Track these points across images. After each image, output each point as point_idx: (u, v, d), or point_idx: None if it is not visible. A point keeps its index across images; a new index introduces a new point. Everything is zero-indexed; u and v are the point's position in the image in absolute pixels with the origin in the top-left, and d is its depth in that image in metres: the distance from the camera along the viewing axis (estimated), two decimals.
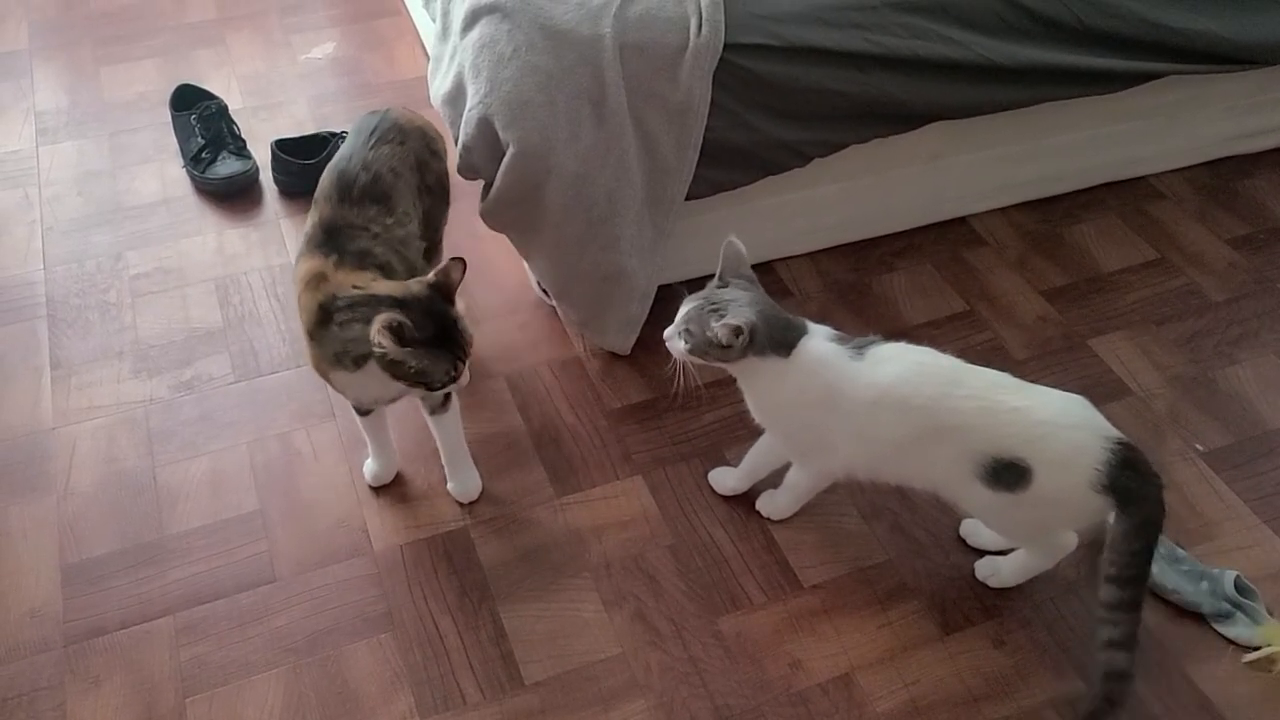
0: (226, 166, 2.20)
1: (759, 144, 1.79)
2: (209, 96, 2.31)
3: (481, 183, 1.83)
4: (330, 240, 1.49)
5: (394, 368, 1.37)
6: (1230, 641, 1.51)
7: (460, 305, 1.43)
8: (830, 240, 2.10)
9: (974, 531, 1.63)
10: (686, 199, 1.80)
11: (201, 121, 2.24)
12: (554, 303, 1.92)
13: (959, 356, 1.87)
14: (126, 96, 2.46)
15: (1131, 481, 1.35)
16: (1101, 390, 1.85)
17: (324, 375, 1.49)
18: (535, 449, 1.76)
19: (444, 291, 1.40)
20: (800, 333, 1.44)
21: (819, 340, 1.44)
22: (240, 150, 2.24)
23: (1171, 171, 2.28)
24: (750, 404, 1.53)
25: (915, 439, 1.41)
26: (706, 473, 1.72)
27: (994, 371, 1.43)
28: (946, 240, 2.14)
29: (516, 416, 1.81)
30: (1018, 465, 1.36)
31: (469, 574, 1.60)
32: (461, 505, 1.69)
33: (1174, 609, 1.55)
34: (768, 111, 1.76)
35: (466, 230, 2.11)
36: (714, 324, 1.39)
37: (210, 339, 1.92)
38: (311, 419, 1.80)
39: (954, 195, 2.14)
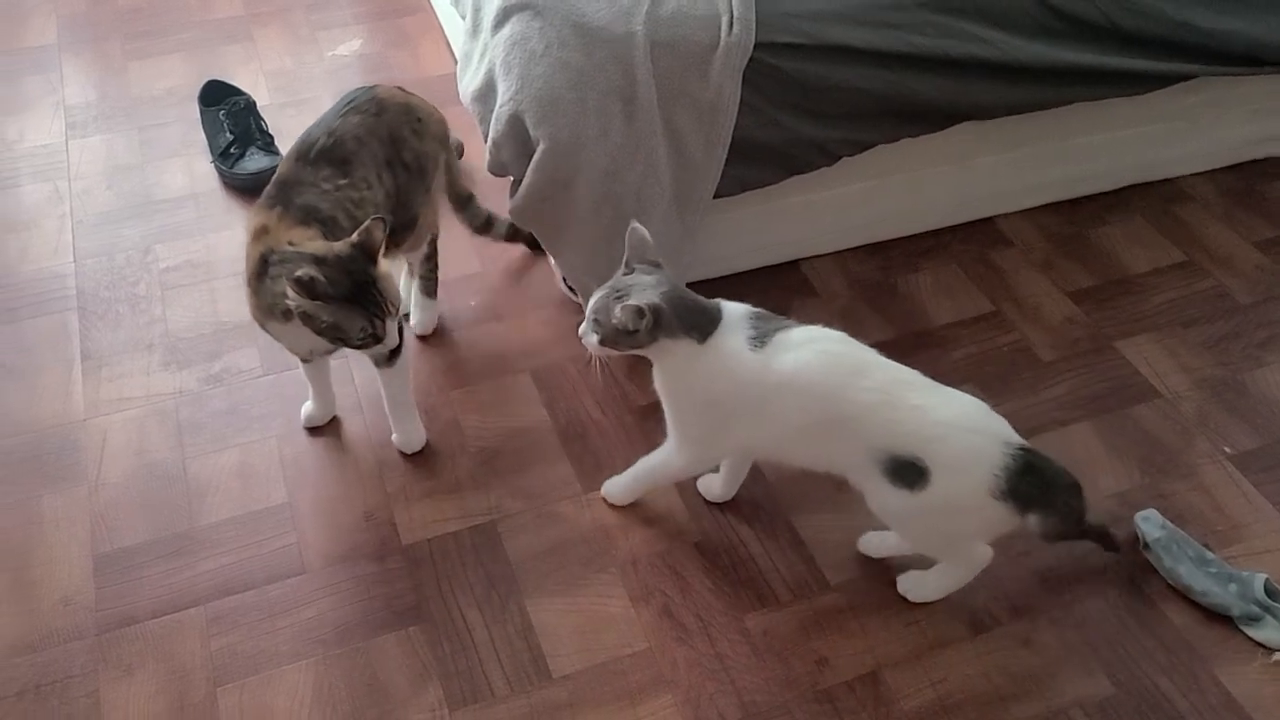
0: (254, 162, 2.21)
1: (788, 143, 1.79)
2: (237, 92, 2.32)
3: (509, 180, 1.84)
4: (280, 194, 1.55)
5: (308, 321, 1.44)
6: (1259, 644, 1.51)
7: (384, 265, 1.47)
8: (856, 240, 2.10)
9: (877, 544, 1.60)
10: (714, 197, 1.81)
11: (230, 117, 2.25)
12: (580, 299, 1.93)
13: (985, 358, 1.91)
14: (154, 91, 2.47)
15: (1033, 488, 1.34)
16: (1129, 392, 1.85)
17: (261, 325, 1.56)
18: (561, 444, 1.77)
19: (366, 251, 1.45)
20: (716, 318, 1.42)
21: (731, 327, 1.42)
22: (268, 146, 2.26)
23: (1198, 174, 2.28)
24: (657, 383, 1.51)
25: (816, 426, 1.39)
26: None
27: (904, 367, 1.42)
28: (973, 241, 2.13)
29: (542, 412, 1.82)
30: (915, 465, 1.34)
31: (496, 567, 1.60)
32: (405, 455, 1.74)
33: (1202, 611, 1.54)
34: (797, 110, 1.76)
35: None
36: (616, 309, 1.38)
37: (239, 332, 1.93)
38: (339, 412, 1.81)
39: (981, 195, 2.14)
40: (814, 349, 1.40)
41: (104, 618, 1.53)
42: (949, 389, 1.41)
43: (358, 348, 1.50)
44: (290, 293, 1.40)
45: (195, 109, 2.35)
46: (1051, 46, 1.83)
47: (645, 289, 1.41)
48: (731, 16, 1.67)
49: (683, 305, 1.41)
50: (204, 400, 1.83)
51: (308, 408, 1.77)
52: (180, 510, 1.66)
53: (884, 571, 1.60)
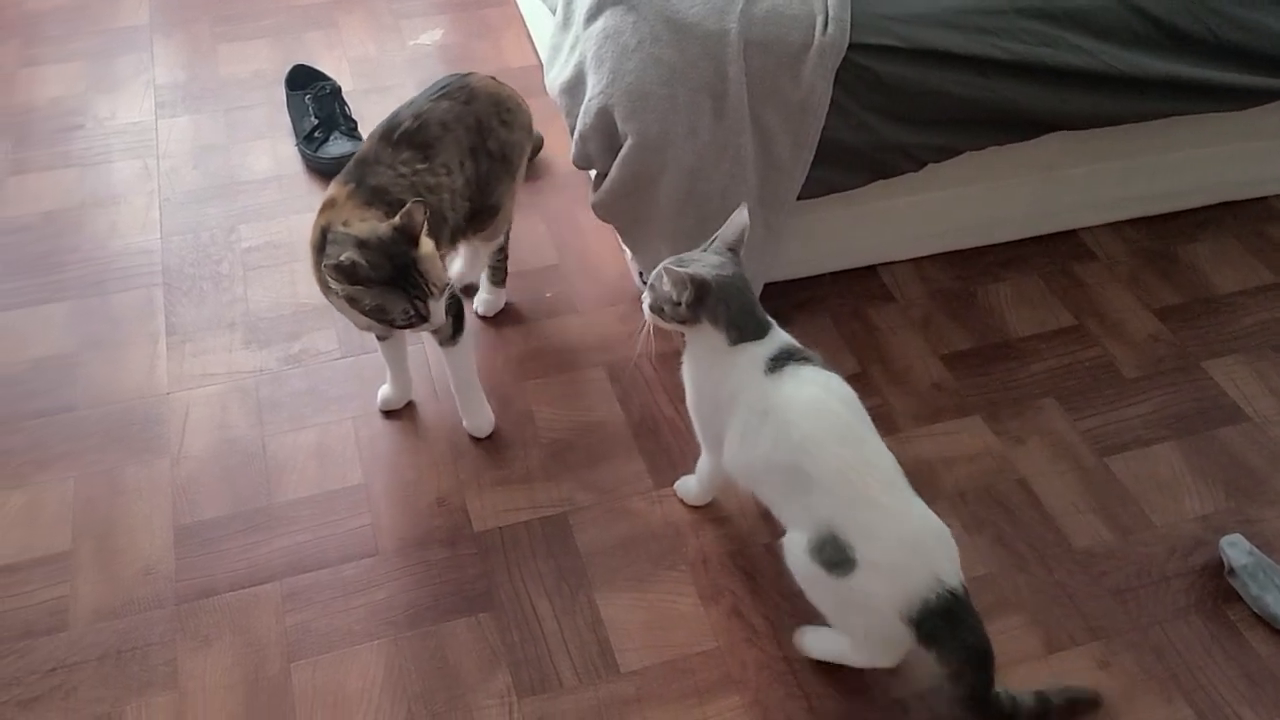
0: (338, 146, 2.24)
1: (875, 146, 1.77)
2: (323, 77, 2.35)
3: (591, 174, 1.84)
4: (356, 171, 1.58)
5: (353, 303, 1.47)
6: None
7: (426, 246, 1.48)
8: (937, 246, 2.08)
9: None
10: (797, 199, 1.80)
11: (316, 101, 2.29)
12: None
13: (1066, 372, 1.88)
14: (241, 74, 2.52)
15: (941, 631, 1.28)
16: (1216, 414, 1.81)
17: (325, 296, 1.58)
18: (634, 440, 1.77)
19: (407, 234, 1.46)
20: (759, 331, 1.40)
21: (763, 347, 1.39)
22: (352, 131, 2.28)
23: None
24: (684, 370, 1.50)
25: (780, 469, 1.35)
26: None
27: (891, 460, 1.34)
28: (1056, 252, 2.10)
29: (616, 407, 1.82)
30: (846, 553, 1.29)
31: (566, 559, 1.61)
32: (476, 440, 1.76)
33: None
34: (886, 114, 1.74)
35: (569, 221, 2.13)
36: (666, 275, 1.37)
37: (318, 314, 1.96)
38: (414, 398, 1.82)
39: (1066, 207, 2.10)
40: (813, 391, 1.36)
41: (183, 588, 1.56)
42: (921, 504, 1.34)
43: (403, 328, 1.52)
44: (330, 277, 1.42)
45: (280, 92, 2.39)
46: (1150, 58, 1.79)
47: (705, 266, 1.40)
48: (827, 17, 1.66)
49: (735, 298, 1.39)
50: (283, 380, 1.85)
51: (384, 391, 1.79)
52: (259, 486, 1.69)
53: None
